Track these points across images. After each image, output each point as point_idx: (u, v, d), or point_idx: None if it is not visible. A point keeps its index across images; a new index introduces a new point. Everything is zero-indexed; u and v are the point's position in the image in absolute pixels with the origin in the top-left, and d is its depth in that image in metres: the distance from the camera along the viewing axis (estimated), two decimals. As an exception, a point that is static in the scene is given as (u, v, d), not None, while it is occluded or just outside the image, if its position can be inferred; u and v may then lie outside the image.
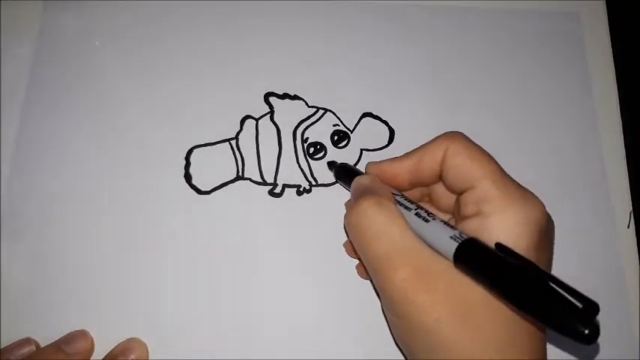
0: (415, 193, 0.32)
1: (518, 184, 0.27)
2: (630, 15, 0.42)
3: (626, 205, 0.36)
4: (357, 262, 0.34)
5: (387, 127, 0.37)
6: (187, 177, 0.35)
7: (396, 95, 0.38)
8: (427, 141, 0.29)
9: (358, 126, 0.37)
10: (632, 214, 0.36)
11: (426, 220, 0.27)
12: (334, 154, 0.36)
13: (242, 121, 0.37)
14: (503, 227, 0.25)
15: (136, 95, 0.37)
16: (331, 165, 0.36)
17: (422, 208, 0.28)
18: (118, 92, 0.37)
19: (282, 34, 0.39)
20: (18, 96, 0.37)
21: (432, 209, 0.31)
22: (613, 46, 0.40)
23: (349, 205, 0.29)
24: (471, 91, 0.38)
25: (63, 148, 0.36)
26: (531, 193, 0.27)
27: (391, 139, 0.37)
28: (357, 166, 0.36)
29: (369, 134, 0.37)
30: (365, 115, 0.37)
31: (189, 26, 0.39)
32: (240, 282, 0.33)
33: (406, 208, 0.28)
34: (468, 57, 0.39)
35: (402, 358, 0.32)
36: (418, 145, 0.30)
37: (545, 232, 0.26)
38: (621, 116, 0.38)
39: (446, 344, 0.24)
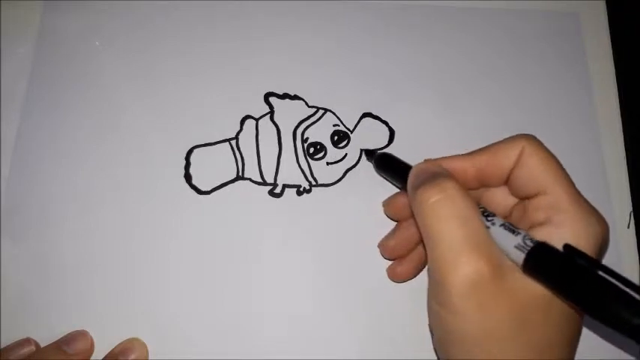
0: None
1: (586, 199, 0.26)
2: (630, 15, 0.42)
3: (626, 205, 0.36)
4: (357, 263, 0.34)
5: (387, 127, 0.37)
6: (187, 177, 0.35)
7: (396, 95, 0.38)
8: (499, 140, 0.28)
9: (358, 126, 0.37)
10: (632, 214, 0.36)
11: (493, 223, 0.26)
12: (334, 154, 0.36)
13: (242, 121, 0.37)
14: (572, 241, 0.24)
15: (136, 95, 0.37)
16: (369, 153, 0.35)
17: (486, 209, 0.27)
18: (118, 92, 0.37)
19: (282, 34, 0.39)
20: (18, 96, 0.37)
21: None
22: (613, 46, 0.40)
23: (427, 182, 0.26)
24: (470, 91, 0.38)
25: (63, 148, 0.36)
26: (597, 211, 0.26)
27: (391, 139, 0.37)
28: (357, 167, 0.36)
29: (369, 134, 0.37)
30: (365, 115, 0.37)
31: (189, 26, 0.39)
32: (240, 282, 0.33)
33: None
34: (468, 57, 0.39)
35: (401, 358, 0.32)
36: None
37: (604, 252, 0.26)
38: (621, 116, 0.38)
39: (499, 346, 0.24)
